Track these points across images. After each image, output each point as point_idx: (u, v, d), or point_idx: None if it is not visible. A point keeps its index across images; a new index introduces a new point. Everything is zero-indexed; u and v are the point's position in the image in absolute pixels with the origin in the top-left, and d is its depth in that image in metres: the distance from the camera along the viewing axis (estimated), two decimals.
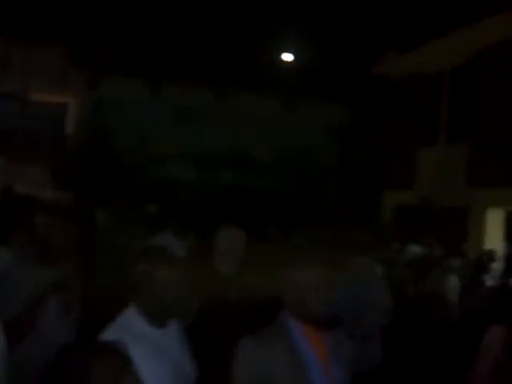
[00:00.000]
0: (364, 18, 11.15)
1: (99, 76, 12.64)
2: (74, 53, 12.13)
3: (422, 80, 11.07)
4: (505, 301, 5.32)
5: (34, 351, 2.13)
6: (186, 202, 9.82)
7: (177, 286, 1.80)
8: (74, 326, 2.53)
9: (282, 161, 12.51)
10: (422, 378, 4.55)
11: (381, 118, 12.06)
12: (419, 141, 11.01)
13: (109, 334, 1.71)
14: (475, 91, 9.55)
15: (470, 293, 6.34)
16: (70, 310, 2.49)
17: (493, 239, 8.98)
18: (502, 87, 8.76)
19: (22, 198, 6.95)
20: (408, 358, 4.83)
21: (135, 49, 11.98)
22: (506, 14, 8.29)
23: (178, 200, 10.39)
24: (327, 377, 1.82)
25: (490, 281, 6.49)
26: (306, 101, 12.69)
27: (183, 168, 12.29)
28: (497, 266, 7.33)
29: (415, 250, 7.67)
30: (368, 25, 11.15)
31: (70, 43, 11.96)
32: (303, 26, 11.13)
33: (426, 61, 10.58)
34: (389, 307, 3.76)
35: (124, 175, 11.13)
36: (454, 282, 6.91)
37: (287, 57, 12.14)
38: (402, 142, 11.21)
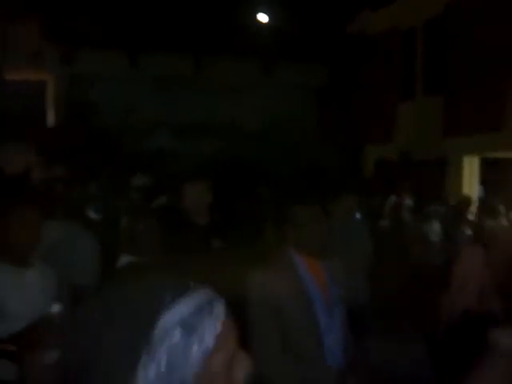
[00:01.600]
0: None
1: (75, 50, 12.51)
2: (49, 28, 11.96)
3: (396, 35, 11.23)
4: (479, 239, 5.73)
5: None
6: (172, 172, 9.98)
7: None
8: None
9: (266, 127, 12.66)
10: (407, 315, 4.91)
11: (359, 76, 12.22)
12: (397, 95, 11.26)
13: None
14: (447, 43, 9.76)
15: (451, 236, 6.75)
16: None
17: (469, 185, 9.40)
18: (473, 38, 8.99)
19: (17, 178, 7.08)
20: (393, 297, 5.21)
21: (110, 20, 11.85)
22: None
23: (165, 170, 10.54)
24: (327, 304, 2.09)
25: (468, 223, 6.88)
26: (284, 63, 12.75)
27: (168, 138, 12.39)
28: (474, 209, 7.74)
29: (394, 200, 8.08)
30: None
31: (43, 18, 11.77)
32: None
33: (400, 16, 10.72)
34: (369, 250, 4.11)
35: (109, 148, 11.22)
36: (435, 227, 7.34)
37: (262, 17, 12.12)
38: (381, 97, 11.44)
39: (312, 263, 2.10)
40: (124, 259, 2.33)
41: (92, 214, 4.46)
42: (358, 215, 4.87)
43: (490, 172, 9.60)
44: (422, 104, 10.63)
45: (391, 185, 8.62)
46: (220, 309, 0.79)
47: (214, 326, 0.76)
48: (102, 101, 12.20)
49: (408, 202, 8.18)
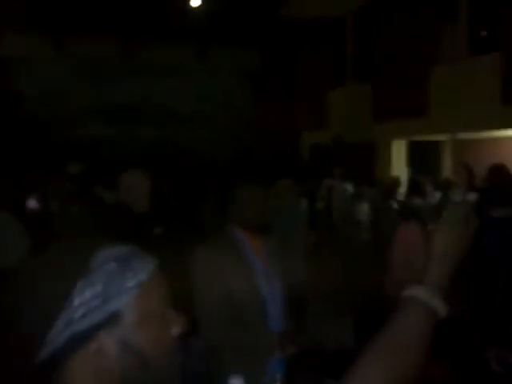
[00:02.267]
0: None
1: None
2: None
3: (327, 22, 11.49)
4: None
5: None
6: (106, 159, 9.72)
7: None
8: None
9: (198, 111, 12.57)
10: (340, 293, 5.14)
11: (293, 61, 12.41)
12: (329, 82, 11.57)
13: None
14: (375, 31, 10.14)
15: (381, 216, 7.10)
16: None
17: (398, 167, 9.90)
18: (399, 26, 9.40)
19: None
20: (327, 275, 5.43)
21: (34, 3, 11.20)
22: None
23: (100, 158, 10.24)
24: (268, 276, 2.19)
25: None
26: (217, 47, 12.68)
27: (101, 124, 11.99)
28: (402, 190, 8.17)
29: (328, 183, 8.40)
30: None
31: None
32: None
33: (330, 3, 10.98)
34: (305, 230, 4.27)
35: (39, 137, 10.70)
36: (365, 207, 7.70)
37: (195, 2, 11.96)
38: (313, 83, 11.70)
39: (253, 239, 2.20)
40: None
41: (31, 204, 4.29)
42: (294, 198, 5.01)
43: (417, 154, 10.17)
44: (352, 90, 11.00)
45: (326, 169, 8.91)
46: (152, 262, 0.81)
47: (147, 265, 0.78)
48: (28, 87, 11.57)
49: (341, 184, 8.52)
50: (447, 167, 10.24)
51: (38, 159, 8.16)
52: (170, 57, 12.34)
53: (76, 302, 0.70)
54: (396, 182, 8.25)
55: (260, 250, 2.21)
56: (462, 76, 8.54)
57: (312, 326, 3.90)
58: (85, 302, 0.71)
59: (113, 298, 0.72)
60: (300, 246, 4.14)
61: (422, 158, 10.20)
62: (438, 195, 7.43)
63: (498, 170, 4.81)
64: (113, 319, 0.72)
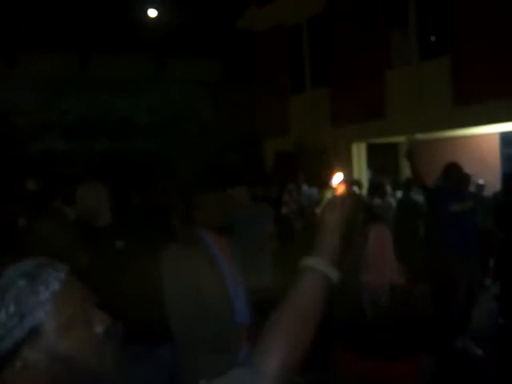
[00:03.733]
0: None
1: None
2: None
3: (282, 32, 11.68)
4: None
5: None
6: (65, 174, 9.52)
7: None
8: None
9: (159, 122, 12.50)
10: None
11: (250, 71, 12.53)
12: (288, 89, 11.74)
13: None
14: (330, 38, 10.38)
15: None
16: None
17: (359, 169, 10.13)
18: (351, 31, 9.66)
19: None
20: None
21: None
22: None
23: (57, 172, 10.01)
24: (232, 273, 2.26)
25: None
26: (176, 58, 12.68)
27: (57, 138, 11.74)
28: (363, 191, 8.36)
29: (291, 188, 8.52)
30: None
31: None
32: None
33: (285, 13, 11.17)
34: (269, 233, 4.34)
35: None
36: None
37: (152, 13, 11.94)
38: (273, 92, 11.85)
39: (217, 238, 2.30)
40: None
41: None
42: (259, 203, 5.06)
43: (376, 156, 10.43)
44: (310, 96, 11.20)
45: (290, 175, 9.02)
46: (63, 269, 0.82)
47: (58, 274, 0.79)
48: None
49: (305, 188, 8.64)
50: (406, 167, 10.55)
51: None
52: (129, 68, 12.25)
53: None
54: (358, 184, 8.45)
55: (224, 248, 2.29)
56: (415, 79, 8.86)
57: None
58: (2, 323, 0.73)
59: (29, 314, 0.74)
60: (264, 248, 4.19)
61: (381, 159, 10.47)
62: (399, 194, 7.66)
63: (452, 167, 5.01)
64: (33, 334, 0.74)
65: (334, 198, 1.15)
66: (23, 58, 11.71)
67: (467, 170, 5.46)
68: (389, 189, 7.63)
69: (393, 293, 2.58)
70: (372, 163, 10.30)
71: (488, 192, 7.48)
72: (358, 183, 8.67)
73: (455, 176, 4.96)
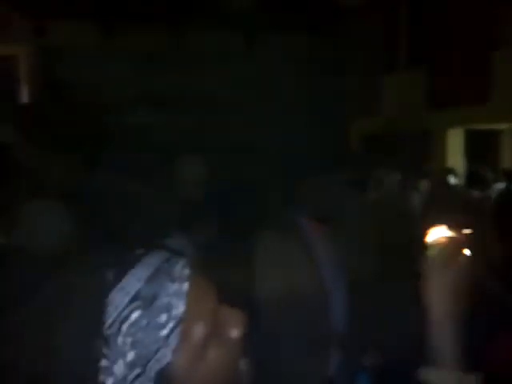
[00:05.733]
0: None
1: (47, 22, 11.99)
2: None
3: (379, 4, 11.03)
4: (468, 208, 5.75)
5: None
6: (155, 147, 9.77)
7: None
8: None
9: (249, 99, 12.43)
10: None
11: (342, 48, 12.04)
12: (382, 67, 11.13)
13: None
14: (432, 12, 9.62)
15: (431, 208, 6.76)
16: None
17: (454, 158, 9.42)
18: (460, 8, 8.87)
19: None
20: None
21: None
22: None
23: (147, 146, 10.31)
24: (333, 273, 2.05)
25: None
26: (265, 33, 12.47)
27: (148, 113, 12.09)
28: (459, 182, 7.77)
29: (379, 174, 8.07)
30: None
31: None
32: None
33: None
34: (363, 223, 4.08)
35: (88, 125, 10.89)
36: (417, 200, 7.36)
37: None
38: (365, 69, 11.30)
39: (320, 229, 2.08)
40: None
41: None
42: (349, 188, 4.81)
43: (474, 144, 9.64)
44: (405, 76, 10.53)
45: (378, 159, 8.59)
46: (182, 266, 0.67)
47: (178, 287, 0.64)
48: (77, 77, 11.79)
49: (394, 175, 8.16)
50: (508, 158, 9.68)
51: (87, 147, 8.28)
52: (217, 44, 12.24)
53: (108, 381, 0.62)
54: (452, 174, 7.86)
55: (324, 241, 2.07)
56: None
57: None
58: (120, 377, 0.62)
59: (151, 357, 0.64)
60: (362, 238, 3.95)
61: (480, 148, 9.66)
62: (499, 186, 7.00)
63: None
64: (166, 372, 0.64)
65: (445, 259, 0.82)
66: (118, 30, 12.11)
67: None
68: (490, 180, 6.98)
69: None
70: (469, 151, 9.53)
71: None
72: (454, 173, 8.06)
73: None
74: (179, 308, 0.63)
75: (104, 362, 0.58)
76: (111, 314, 0.60)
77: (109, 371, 0.58)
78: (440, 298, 0.78)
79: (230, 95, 12.40)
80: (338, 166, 4.76)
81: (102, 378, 0.58)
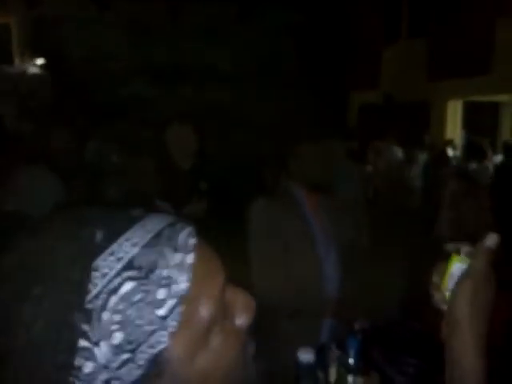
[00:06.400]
0: None
1: None
2: None
3: None
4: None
5: None
6: (151, 118, 9.69)
7: None
8: None
9: (244, 71, 12.26)
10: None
11: (341, 19, 11.80)
12: (382, 39, 10.94)
13: None
14: None
15: (432, 180, 6.76)
16: None
17: (453, 129, 9.35)
18: None
19: None
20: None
21: None
22: None
23: (143, 117, 10.23)
24: (324, 235, 2.03)
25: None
26: (261, 5, 12.20)
27: (144, 84, 11.93)
28: (456, 154, 7.74)
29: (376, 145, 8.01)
30: None
31: None
32: None
33: None
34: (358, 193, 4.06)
35: (83, 96, 10.76)
36: (416, 171, 7.35)
37: None
38: (365, 41, 11.11)
39: (310, 195, 2.06)
40: None
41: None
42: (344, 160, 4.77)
43: (473, 116, 9.56)
44: (406, 46, 10.36)
45: (376, 130, 8.52)
46: (188, 234, 0.57)
47: (182, 258, 0.54)
48: (71, 46, 11.59)
49: (392, 146, 8.12)
50: (507, 130, 9.60)
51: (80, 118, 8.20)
52: (212, 13, 12.00)
53: (87, 365, 0.49)
54: (451, 146, 7.82)
55: (317, 208, 2.06)
56: None
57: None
58: (104, 361, 0.49)
59: (143, 341, 0.55)
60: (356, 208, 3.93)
61: (479, 119, 9.58)
62: (498, 158, 6.98)
63: None
64: (158, 368, 0.58)
65: (477, 272, 0.70)
66: (114, 2, 11.83)
67: None
68: (489, 151, 6.96)
69: None
70: (468, 123, 9.45)
71: None
72: (452, 144, 8.03)
73: None
74: (181, 283, 0.53)
75: (82, 343, 0.48)
76: (96, 283, 0.49)
77: (88, 354, 0.48)
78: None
79: (229, 67, 12.23)
80: (336, 136, 4.72)
81: (78, 362, 0.48)
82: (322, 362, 1.44)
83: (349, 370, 1.38)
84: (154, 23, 12.00)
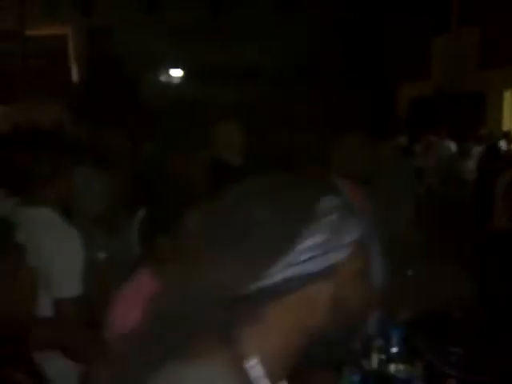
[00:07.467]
0: None
1: (92, 1, 12.24)
2: None
3: None
4: None
5: None
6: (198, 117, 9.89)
7: None
8: None
9: (288, 69, 12.25)
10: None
11: (390, 7, 11.53)
12: (431, 29, 10.60)
13: None
14: None
15: (486, 173, 6.49)
16: None
17: (510, 120, 8.93)
18: None
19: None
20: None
21: None
22: None
23: (191, 116, 10.44)
24: (369, 234, 2.03)
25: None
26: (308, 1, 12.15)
27: (192, 85, 12.19)
28: None
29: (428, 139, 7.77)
30: None
31: None
32: None
33: None
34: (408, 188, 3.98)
35: (135, 100, 11.13)
36: (471, 165, 7.07)
37: None
38: (415, 32, 10.79)
39: (352, 187, 2.06)
40: None
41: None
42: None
43: None
44: (457, 36, 9.99)
45: (427, 123, 8.28)
46: (362, 220, 0.82)
47: (359, 223, 0.80)
48: (122, 52, 12.02)
49: (444, 141, 7.85)
50: None
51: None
52: (255, 12, 12.06)
53: (299, 247, 0.71)
54: (508, 138, 7.50)
55: (360, 201, 2.06)
56: None
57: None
58: (307, 248, 0.72)
59: (332, 251, 0.74)
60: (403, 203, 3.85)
61: None
62: None
63: None
64: (328, 272, 0.74)
65: None
66: (159, 4, 12.18)
67: None
68: None
69: None
70: None
71: None
72: (508, 137, 7.67)
73: None
74: (360, 228, 0.80)
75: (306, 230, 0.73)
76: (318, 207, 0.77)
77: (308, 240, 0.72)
78: None
79: (270, 65, 12.27)
80: (385, 129, 4.64)
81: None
82: (365, 350, 1.45)
83: (392, 358, 1.38)
84: (199, 25, 12.26)
